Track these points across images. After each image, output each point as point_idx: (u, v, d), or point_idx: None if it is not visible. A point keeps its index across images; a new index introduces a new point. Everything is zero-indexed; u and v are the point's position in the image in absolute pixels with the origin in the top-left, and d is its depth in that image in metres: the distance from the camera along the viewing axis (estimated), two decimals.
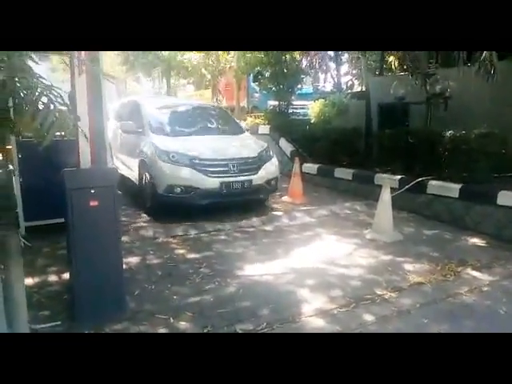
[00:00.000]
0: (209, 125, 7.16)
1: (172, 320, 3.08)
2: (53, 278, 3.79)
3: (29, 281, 3.49)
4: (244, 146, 6.37)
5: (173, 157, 5.57)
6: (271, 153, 6.45)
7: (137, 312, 3.18)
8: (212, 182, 5.53)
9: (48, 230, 4.48)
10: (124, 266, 3.31)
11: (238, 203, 5.97)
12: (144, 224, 5.51)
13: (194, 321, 3.09)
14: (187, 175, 5.51)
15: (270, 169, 6.15)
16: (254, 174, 5.83)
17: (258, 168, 5.94)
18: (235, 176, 5.67)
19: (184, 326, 3.02)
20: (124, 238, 4.42)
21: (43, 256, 4.24)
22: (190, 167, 5.53)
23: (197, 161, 5.58)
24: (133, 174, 6.56)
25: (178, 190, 5.47)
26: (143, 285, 3.66)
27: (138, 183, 6.35)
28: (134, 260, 4.25)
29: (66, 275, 3.55)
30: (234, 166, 5.68)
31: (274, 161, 6.36)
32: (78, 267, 2.93)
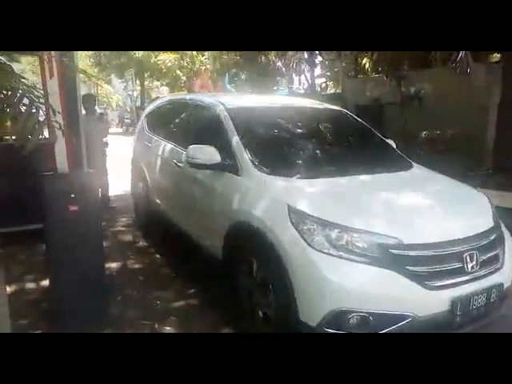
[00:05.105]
0: (357, 151, 3.83)
1: None
2: (30, 285, 3.66)
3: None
4: (459, 203, 2.90)
5: (337, 239, 2.34)
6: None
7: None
8: (436, 301, 2.33)
9: (21, 237, 4.32)
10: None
11: None
12: None
13: None
14: (381, 286, 2.29)
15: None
16: (499, 269, 2.59)
17: (501, 254, 2.67)
18: (477, 279, 2.46)
19: None
20: None
21: (18, 263, 4.08)
22: (383, 266, 2.29)
23: (398, 250, 2.32)
24: (210, 252, 3.33)
25: (356, 321, 2.25)
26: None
27: (234, 285, 2.95)
28: None
29: (44, 282, 3.44)
30: (471, 258, 2.45)
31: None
32: (57, 274, 2.83)
